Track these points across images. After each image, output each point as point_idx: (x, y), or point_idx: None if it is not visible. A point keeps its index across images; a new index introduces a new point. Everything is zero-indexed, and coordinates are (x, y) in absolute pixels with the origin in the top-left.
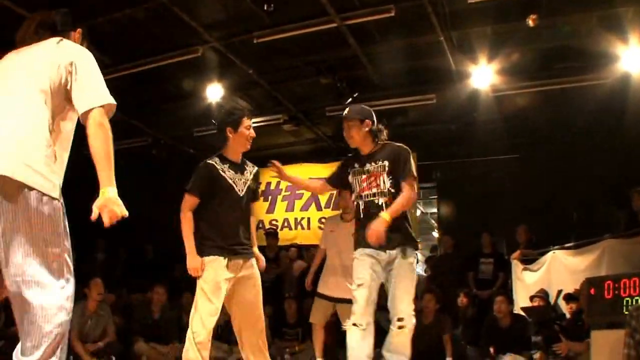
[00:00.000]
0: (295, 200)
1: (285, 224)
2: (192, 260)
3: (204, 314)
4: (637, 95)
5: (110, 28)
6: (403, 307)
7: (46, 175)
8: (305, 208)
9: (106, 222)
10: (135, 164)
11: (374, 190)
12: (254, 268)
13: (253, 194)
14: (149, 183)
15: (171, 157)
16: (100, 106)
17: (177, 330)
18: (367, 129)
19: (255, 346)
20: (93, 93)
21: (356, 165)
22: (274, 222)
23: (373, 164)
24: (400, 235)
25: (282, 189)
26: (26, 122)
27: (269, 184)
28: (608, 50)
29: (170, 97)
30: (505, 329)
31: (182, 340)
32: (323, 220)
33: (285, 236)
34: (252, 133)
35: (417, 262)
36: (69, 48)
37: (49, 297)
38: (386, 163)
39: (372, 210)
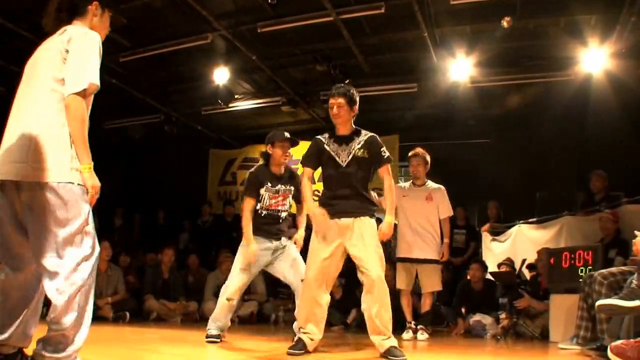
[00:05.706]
0: None
1: None
2: None
3: None
4: (597, 91)
5: (131, 15)
6: None
7: (58, 166)
8: None
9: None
10: (149, 137)
11: None
12: None
13: None
14: (162, 155)
15: (181, 133)
16: (78, 92)
17: (183, 289)
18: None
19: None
20: (74, 78)
21: None
22: None
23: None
24: None
25: None
26: (39, 120)
27: None
28: (573, 51)
29: (181, 78)
30: (477, 292)
31: (187, 298)
32: (317, 192)
33: None
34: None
35: None
36: (67, 35)
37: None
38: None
39: None
